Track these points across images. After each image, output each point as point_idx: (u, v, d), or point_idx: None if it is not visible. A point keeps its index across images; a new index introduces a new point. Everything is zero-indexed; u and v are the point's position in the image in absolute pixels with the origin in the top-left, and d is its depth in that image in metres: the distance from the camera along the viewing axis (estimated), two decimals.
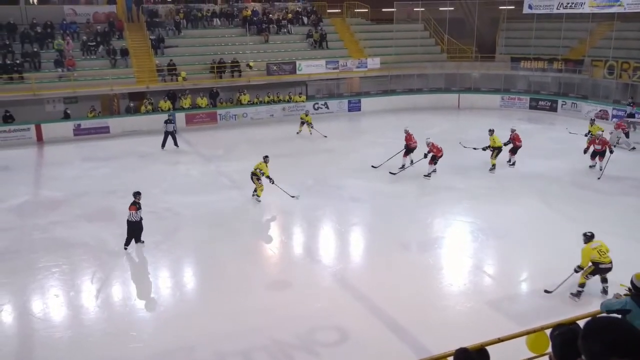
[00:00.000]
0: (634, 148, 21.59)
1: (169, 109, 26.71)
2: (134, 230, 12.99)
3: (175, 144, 23.10)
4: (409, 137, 19.35)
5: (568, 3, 29.91)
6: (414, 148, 19.18)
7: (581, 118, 27.62)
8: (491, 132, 19.16)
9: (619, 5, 27.47)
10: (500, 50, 34.33)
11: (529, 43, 32.70)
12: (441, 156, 18.36)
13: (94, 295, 11.03)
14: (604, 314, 5.46)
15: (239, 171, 18.86)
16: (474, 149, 19.46)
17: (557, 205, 15.88)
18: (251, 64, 29.37)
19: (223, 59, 29.18)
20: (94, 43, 28.04)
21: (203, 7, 32.23)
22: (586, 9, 29.23)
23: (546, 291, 10.81)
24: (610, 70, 28.17)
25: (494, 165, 19.05)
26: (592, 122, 21.02)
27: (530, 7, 31.93)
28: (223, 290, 11.18)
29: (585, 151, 19.20)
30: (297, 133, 25.53)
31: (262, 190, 16.17)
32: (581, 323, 2.77)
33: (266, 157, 16.44)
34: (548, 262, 12.18)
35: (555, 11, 30.89)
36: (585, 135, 20.41)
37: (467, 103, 31.47)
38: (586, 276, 10.53)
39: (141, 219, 13.00)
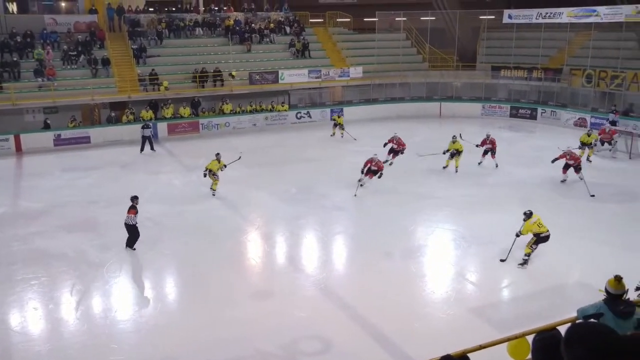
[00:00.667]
0: (614, 157, 21.93)
1: (150, 119, 26.57)
2: (136, 233, 13.37)
3: (152, 148, 24.18)
4: (399, 142, 20.67)
5: (547, 13, 30.36)
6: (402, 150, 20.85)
7: (560, 126, 27.98)
8: (454, 137, 20.11)
9: (596, 15, 27.97)
10: (480, 59, 34.69)
11: (509, 52, 33.11)
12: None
13: (74, 308, 10.88)
14: (583, 320, 5.51)
15: (221, 182, 18.75)
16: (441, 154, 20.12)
17: (538, 212, 15.99)
18: (234, 73, 29.35)
19: (205, 69, 29.13)
20: (75, 52, 27.84)
21: (185, 17, 32.20)
22: (564, 19, 29.71)
23: (501, 260, 12.73)
24: (589, 78, 28.60)
25: (456, 167, 20.09)
26: (589, 132, 21.26)
27: (510, 16, 32.36)
28: (205, 301, 11.10)
29: (554, 161, 18.33)
30: (331, 135, 26.55)
31: (216, 184, 17.66)
32: (562, 329, 2.79)
33: (218, 154, 17.84)
34: (529, 269, 12.30)
35: (534, 21, 31.33)
36: (579, 148, 20.56)
37: (449, 111, 31.70)
38: (530, 246, 12.47)
39: (136, 223, 13.38)
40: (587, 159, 20.70)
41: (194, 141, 26.55)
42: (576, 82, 29.34)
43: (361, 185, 18.06)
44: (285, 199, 17.49)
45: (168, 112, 27.70)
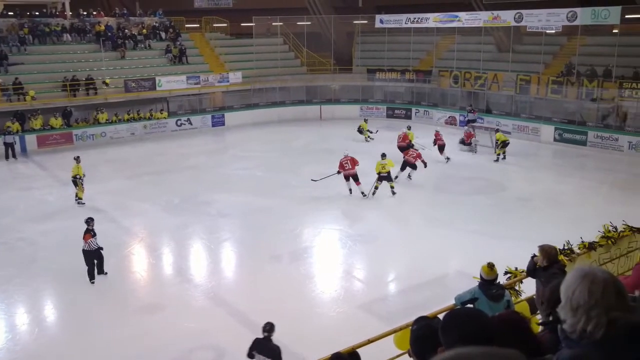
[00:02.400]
0: (475, 152, 23.59)
1: (17, 131, 24.80)
2: (92, 260, 12.05)
3: (14, 155, 23.82)
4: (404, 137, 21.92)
5: (415, 18, 32.02)
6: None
7: (433, 124, 29.55)
8: (409, 127, 22.31)
9: (458, 20, 29.96)
10: (356, 63, 35.85)
11: (382, 55, 34.52)
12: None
13: None
14: (460, 306, 5.92)
15: (101, 193, 17.99)
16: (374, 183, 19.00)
17: (418, 208, 16.91)
18: (107, 80, 28.11)
19: (76, 76, 27.64)
20: None
21: (51, 22, 30.31)
22: (431, 24, 31.48)
23: (362, 193, 17.28)
24: (455, 79, 30.54)
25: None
26: (497, 130, 23.15)
27: (381, 21, 33.78)
28: (90, 322, 10.55)
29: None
30: (368, 139, 26.04)
31: (82, 191, 17.13)
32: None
33: (77, 157, 17.50)
34: (412, 262, 12.93)
35: (404, 25, 32.91)
36: (496, 146, 22.52)
37: (329, 114, 32.48)
38: (376, 182, 17.23)
39: (99, 247, 12.15)
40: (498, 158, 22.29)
41: (67, 153, 24.95)
42: (444, 83, 31.22)
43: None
44: (168, 208, 17.06)
45: (37, 123, 25.95)
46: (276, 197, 17.84)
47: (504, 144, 22.16)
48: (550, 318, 3.15)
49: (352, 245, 14.14)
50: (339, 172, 17.77)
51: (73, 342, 9.90)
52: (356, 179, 17.51)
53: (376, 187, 17.43)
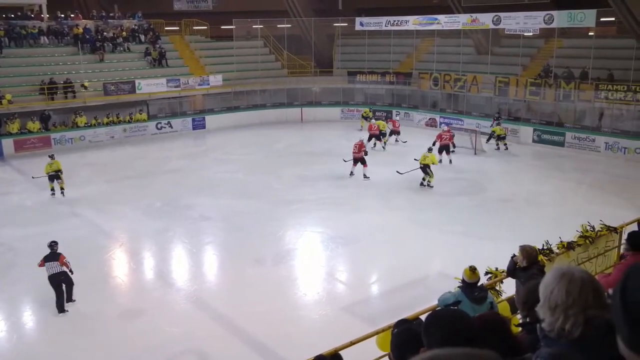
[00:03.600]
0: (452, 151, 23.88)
1: None
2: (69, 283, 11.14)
3: None
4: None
5: (395, 21, 32.20)
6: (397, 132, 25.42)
7: (413, 126, 29.77)
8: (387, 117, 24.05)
9: (437, 23, 30.20)
10: (337, 65, 35.92)
11: (363, 58, 34.65)
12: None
13: None
14: (442, 308, 5.98)
15: (80, 197, 17.83)
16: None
17: (400, 209, 16.97)
18: (86, 84, 27.82)
19: (54, 80, 27.32)
20: None
21: (28, 24, 29.90)
22: (410, 26, 31.68)
23: (398, 172, 18.87)
24: (435, 82, 30.78)
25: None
26: (498, 123, 24.88)
27: (361, 24, 33.91)
28: (71, 328, 10.44)
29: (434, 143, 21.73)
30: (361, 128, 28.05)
31: (64, 183, 18.23)
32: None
33: (52, 155, 18.57)
34: (395, 264, 12.99)
35: (384, 28, 33.09)
36: (491, 136, 24.49)
37: (310, 116, 32.51)
38: (424, 174, 18.48)
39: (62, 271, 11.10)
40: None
41: (46, 157, 24.71)
42: (424, 85, 31.44)
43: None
44: (149, 212, 16.94)
45: (14, 127, 25.61)
46: (258, 200, 17.80)
47: (499, 137, 23.98)
48: (527, 319, 3.21)
49: (334, 247, 14.17)
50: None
51: (52, 349, 9.78)
52: (363, 162, 19.63)
53: (423, 179, 18.66)
